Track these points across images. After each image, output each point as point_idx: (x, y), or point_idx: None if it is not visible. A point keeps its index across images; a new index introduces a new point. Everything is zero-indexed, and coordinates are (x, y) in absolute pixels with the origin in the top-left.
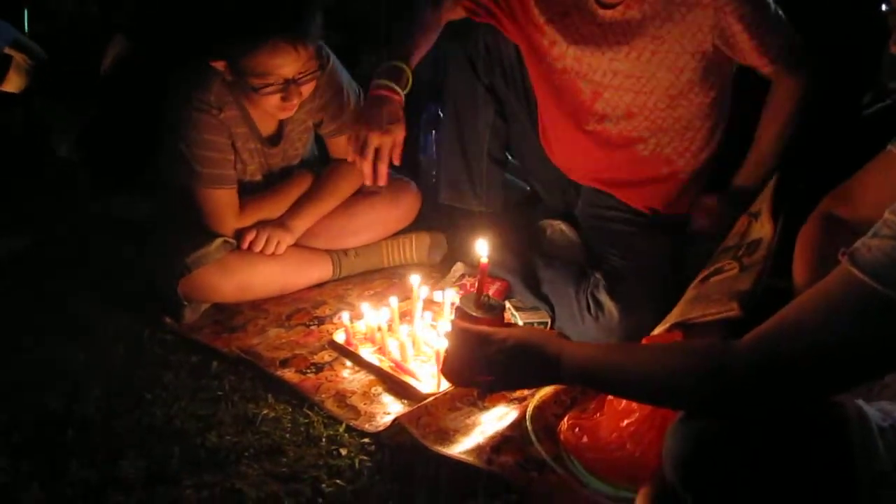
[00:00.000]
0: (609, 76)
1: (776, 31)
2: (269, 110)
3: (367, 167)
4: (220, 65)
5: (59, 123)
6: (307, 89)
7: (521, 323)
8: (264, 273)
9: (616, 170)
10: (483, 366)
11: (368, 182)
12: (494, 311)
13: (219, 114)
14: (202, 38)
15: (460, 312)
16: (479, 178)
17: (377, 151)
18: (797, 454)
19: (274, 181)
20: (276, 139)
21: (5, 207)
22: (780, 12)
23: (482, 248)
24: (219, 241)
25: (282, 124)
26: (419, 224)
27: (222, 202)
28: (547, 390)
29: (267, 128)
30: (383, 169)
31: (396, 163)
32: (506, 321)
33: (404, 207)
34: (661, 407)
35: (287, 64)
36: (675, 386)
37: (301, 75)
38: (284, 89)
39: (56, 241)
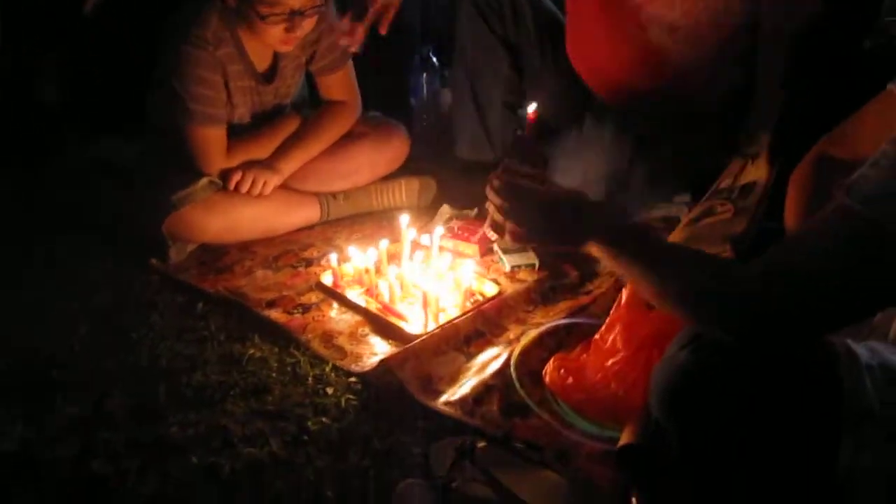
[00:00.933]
0: None
1: None
2: (271, 42)
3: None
4: None
5: (44, 68)
6: (309, 23)
7: (507, 266)
8: (250, 214)
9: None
10: (523, 216)
11: (345, 41)
12: (537, 165)
13: (214, 51)
14: None
15: (505, 165)
16: (496, 130)
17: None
18: (784, 388)
19: (264, 122)
20: (270, 76)
21: None
22: None
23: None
24: (205, 180)
25: (276, 60)
26: (408, 167)
27: (210, 141)
28: (531, 335)
29: (262, 64)
30: (361, 30)
31: (382, 31)
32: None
33: (393, 151)
34: (665, 303)
35: None
36: (685, 278)
37: (307, 7)
38: (290, 20)
39: (41, 186)
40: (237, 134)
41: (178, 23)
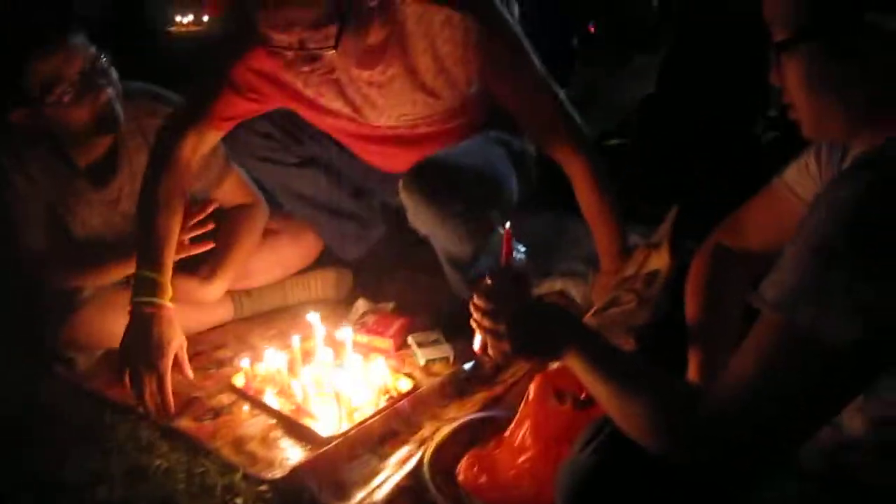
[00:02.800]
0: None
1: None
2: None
3: (154, 405)
4: (19, 115)
5: None
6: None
7: (421, 360)
8: None
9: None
10: (495, 331)
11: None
12: (520, 284)
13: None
14: None
15: (486, 283)
16: (359, 215)
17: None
18: (684, 492)
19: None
20: (105, 178)
21: None
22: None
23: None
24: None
25: (113, 163)
26: (322, 258)
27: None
28: (444, 432)
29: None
30: (168, 398)
31: (188, 376)
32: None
33: (306, 247)
34: (624, 427)
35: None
36: (638, 419)
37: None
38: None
39: None
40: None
41: None
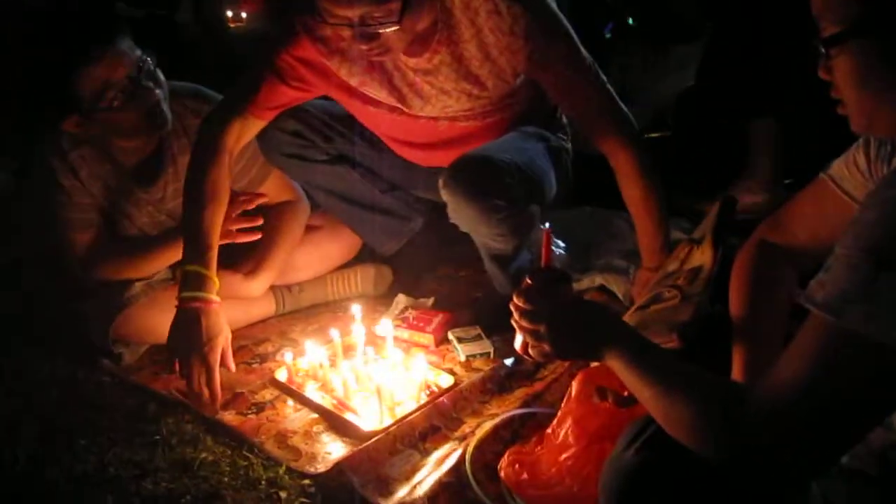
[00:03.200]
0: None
1: None
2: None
3: (204, 395)
4: (71, 122)
5: None
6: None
7: (462, 356)
8: None
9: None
10: (535, 332)
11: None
12: (561, 284)
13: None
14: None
15: (527, 283)
16: (394, 210)
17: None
18: (730, 493)
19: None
20: (151, 177)
21: None
22: None
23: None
24: (140, 283)
25: (159, 162)
26: (362, 254)
27: (73, 245)
28: (486, 428)
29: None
30: (216, 391)
31: (231, 369)
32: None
33: (346, 242)
34: (669, 429)
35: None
36: (683, 419)
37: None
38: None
39: None
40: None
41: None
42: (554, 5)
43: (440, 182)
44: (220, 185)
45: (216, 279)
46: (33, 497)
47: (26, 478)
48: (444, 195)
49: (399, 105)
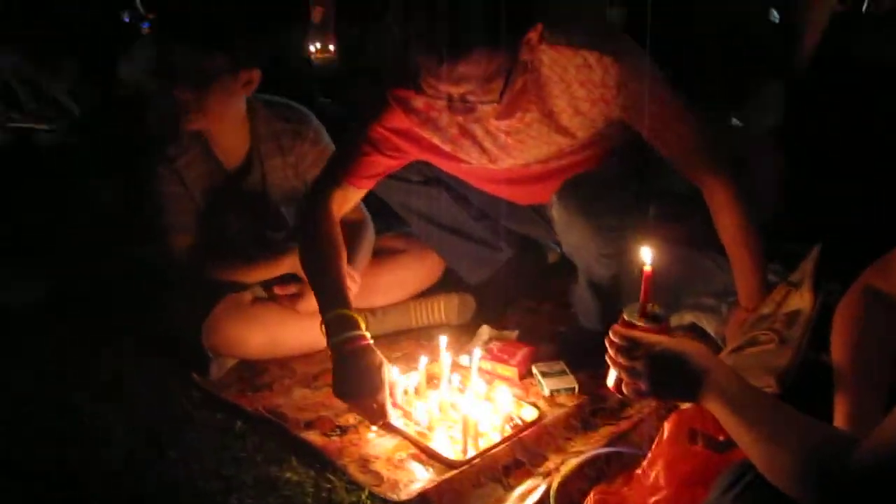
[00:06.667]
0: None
1: None
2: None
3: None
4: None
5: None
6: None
7: (546, 391)
8: (292, 329)
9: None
10: (631, 369)
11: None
12: (658, 321)
13: (172, 164)
14: None
15: (623, 321)
16: (484, 239)
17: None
18: None
19: (254, 223)
20: (242, 170)
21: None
22: None
23: (646, 255)
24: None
25: (250, 157)
26: (446, 283)
27: (179, 248)
28: (571, 465)
29: (232, 160)
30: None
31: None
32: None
33: (429, 268)
34: (769, 473)
35: None
36: (787, 466)
37: None
38: None
39: (82, 289)
40: (235, 237)
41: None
42: (639, 47)
43: (554, 197)
44: (338, 240)
45: (360, 317)
46: None
47: (117, 485)
48: (556, 211)
49: (490, 165)
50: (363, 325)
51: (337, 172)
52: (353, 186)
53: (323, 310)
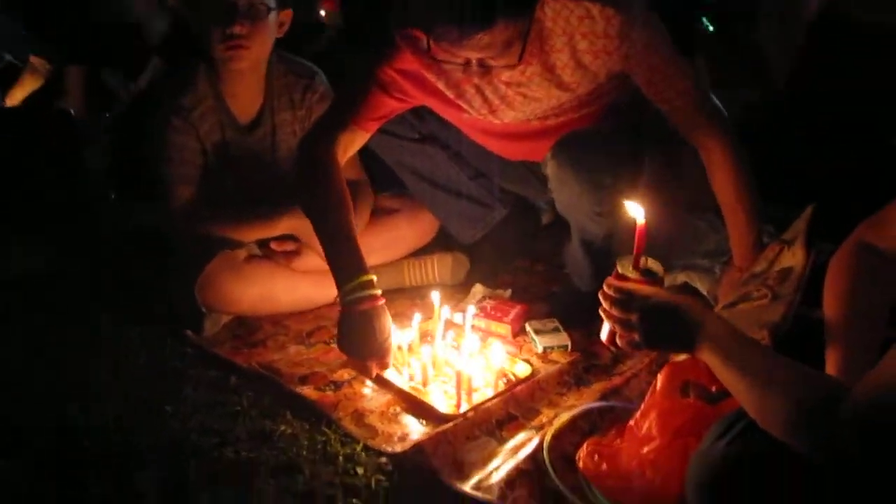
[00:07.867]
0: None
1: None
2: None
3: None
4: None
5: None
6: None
7: (539, 348)
8: (285, 285)
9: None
10: (626, 321)
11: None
12: (652, 276)
13: (189, 115)
14: None
15: (617, 273)
16: (478, 197)
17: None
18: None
19: (257, 179)
20: (253, 126)
21: (27, 223)
22: None
23: (639, 210)
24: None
25: (262, 112)
26: (439, 242)
27: (181, 198)
28: (564, 418)
29: (245, 115)
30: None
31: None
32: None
33: (422, 227)
34: (763, 421)
35: None
36: (780, 412)
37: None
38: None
39: (76, 254)
40: (230, 194)
41: (165, 90)
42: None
43: (548, 155)
44: (344, 192)
45: (372, 276)
46: (119, 460)
47: (113, 441)
48: (551, 168)
49: (489, 116)
50: (374, 286)
51: (344, 114)
52: (360, 129)
53: (335, 266)
